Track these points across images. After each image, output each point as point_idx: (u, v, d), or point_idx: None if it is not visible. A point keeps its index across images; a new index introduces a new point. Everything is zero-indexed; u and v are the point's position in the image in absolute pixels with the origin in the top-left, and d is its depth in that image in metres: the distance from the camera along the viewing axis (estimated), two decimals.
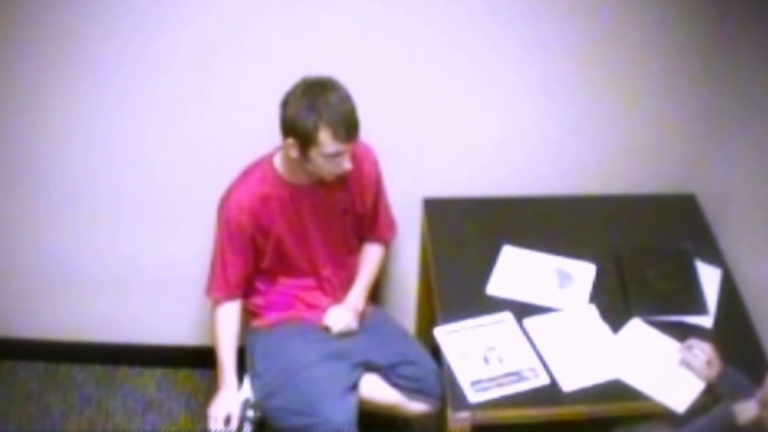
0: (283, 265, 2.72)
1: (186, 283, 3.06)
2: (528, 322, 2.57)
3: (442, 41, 2.71)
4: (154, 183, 2.96)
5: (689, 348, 2.45)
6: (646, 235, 2.87)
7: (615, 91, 2.83)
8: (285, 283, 2.76)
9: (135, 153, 2.90)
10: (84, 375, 3.36)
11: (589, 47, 2.74)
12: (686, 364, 2.44)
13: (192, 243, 2.98)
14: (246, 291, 2.75)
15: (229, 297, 2.70)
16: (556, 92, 2.83)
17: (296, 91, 2.45)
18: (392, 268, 3.15)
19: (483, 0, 2.64)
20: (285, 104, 2.46)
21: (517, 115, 2.88)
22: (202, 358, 3.03)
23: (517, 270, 2.73)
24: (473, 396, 2.39)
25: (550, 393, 2.41)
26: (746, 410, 2.11)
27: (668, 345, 2.51)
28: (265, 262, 2.70)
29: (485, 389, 2.40)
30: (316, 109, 2.40)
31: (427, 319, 2.97)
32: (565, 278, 2.71)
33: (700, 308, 2.60)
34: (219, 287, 2.69)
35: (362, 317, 2.77)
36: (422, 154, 2.93)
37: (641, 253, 2.77)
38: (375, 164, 2.74)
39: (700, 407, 2.35)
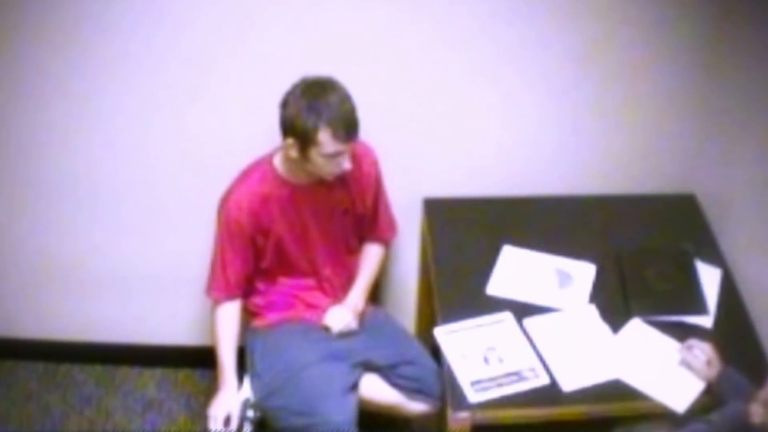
0: (283, 265, 2.72)
1: (186, 283, 3.06)
2: (528, 322, 2.57)
3: (442, 41, 2.71)
4: (154, 183, 2.96)
5: (689, 348, 2.45)
6: (646, 235, 2.87)
7: (615, 91, 2.83)
8: (285, 283, 2.76)
9: (135, 153, 2.90)
10: (84, 375, 3.36)
11: (589, 47, 2.74)
12: (686, 364, 2.44)
13: (192, 243, 2.98)
14: (246, 291, 2.75)
15: (229, 297, 2.70)
16: (556, 92, 2.83)
17: (296, 91, 2.45)
18: (392, 268, 3.15)
19: (483, 0, 2.64)
20: (285, 104, 2.46)
21: (517, 115, 2.88)
22: (202, 358, 3.03)
23: (517, 270, 2.73)
24: (473, 396, 2.39)
25: (550, 393, 2.41)
26: (759, 411, 2.10)
27: (668, 345, 2.51)
28: (265, 262, 2.70)
29: (485, 389, 2.40)
30: (315, 109, 2.40)
31: (427, 319, 2.97)
32: (565, 278, 2.71)
33: (700, 308, 2.60)
34: (219, 287, 2.69)
35: (362, 317, 2.77)
36: (422, 154, 2.93)
37: (641, 253, 2.77)
38: (375, 164, 2.74)
39: (700, 407, 2.35)
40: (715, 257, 2.78)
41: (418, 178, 2.97)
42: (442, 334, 2.54)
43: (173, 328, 3.29)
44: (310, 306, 2.77)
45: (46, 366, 3.38)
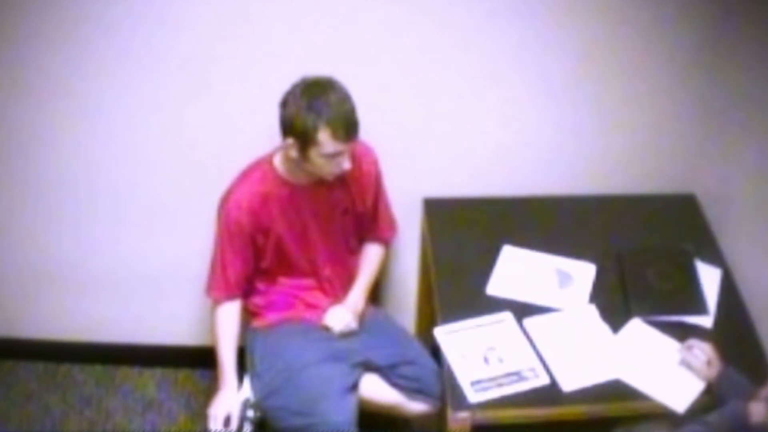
0: (283, 265, 2.72)
1: (186, 283, 3.06)
2: (528, 322, 2.57)
3: (442, 41, 2.71)
4: (154, 183, 2.96)
5: (689, 348, 2.45)
6: (646, 235, 2.87)
7: (615, 91, 2.83)
8: (285, 283, 2.76)
9: (135, 153, 2.90)
10: (84, 375, 3.36)
11: (589, 47, 2.74)
12: (686, 364, 2.44)
13: (192, 242, 2.98)
14: (246, 291, 2.75)
15: (229, 297, 2.70)
16: (556, 92, 2.83)
17: (296, 91, 2.45)
18: (392, 268, 3.15)
19: (483, 0, 2.64)
20: (284, 104, 2.46)
21: (516, 115, 2.88)
22: (202, 358, 3.03)
23: (517, 270, 2.73)
24: (473, 396, 2.39)
25: (550, 393, 2.41)
26: (759, 410, 2.10)
27: (668, 345, 2.51)
28: (265, 262, 2.70)
29: (485, 389, 2.40)
30: (315, 109, 2.40)
31: (427, 319, 2.97)
32: (565, 278, 2.71)
33: (700, 308, 2.60)
34: (219, 287, 2.69)
35: (362, 317, 2.77)
36: (422, 154, 2.93)
37: (641, 253, 2.77)
38: (375, 164, 2.74)
39: (700, 407, 2.35)
40: (715, 257, 2.78)
41: (418, 178, 2.97)
42: (442, 334, 2.54)
43: (173, 328, 3.29)
44: (310, 306, 2.77)
45: (46, 366, 3.38)
